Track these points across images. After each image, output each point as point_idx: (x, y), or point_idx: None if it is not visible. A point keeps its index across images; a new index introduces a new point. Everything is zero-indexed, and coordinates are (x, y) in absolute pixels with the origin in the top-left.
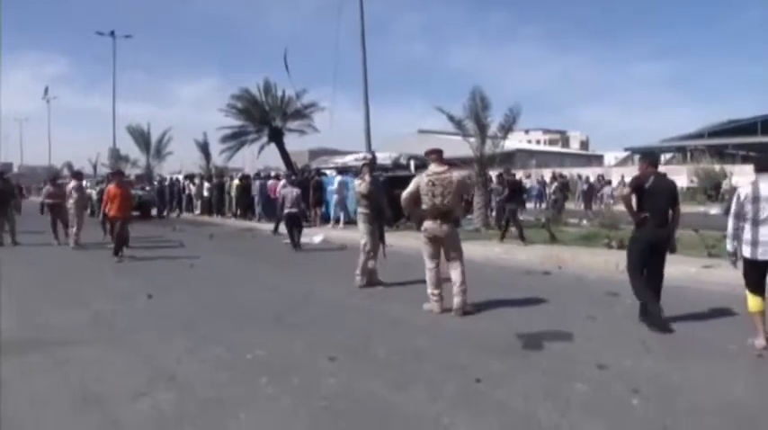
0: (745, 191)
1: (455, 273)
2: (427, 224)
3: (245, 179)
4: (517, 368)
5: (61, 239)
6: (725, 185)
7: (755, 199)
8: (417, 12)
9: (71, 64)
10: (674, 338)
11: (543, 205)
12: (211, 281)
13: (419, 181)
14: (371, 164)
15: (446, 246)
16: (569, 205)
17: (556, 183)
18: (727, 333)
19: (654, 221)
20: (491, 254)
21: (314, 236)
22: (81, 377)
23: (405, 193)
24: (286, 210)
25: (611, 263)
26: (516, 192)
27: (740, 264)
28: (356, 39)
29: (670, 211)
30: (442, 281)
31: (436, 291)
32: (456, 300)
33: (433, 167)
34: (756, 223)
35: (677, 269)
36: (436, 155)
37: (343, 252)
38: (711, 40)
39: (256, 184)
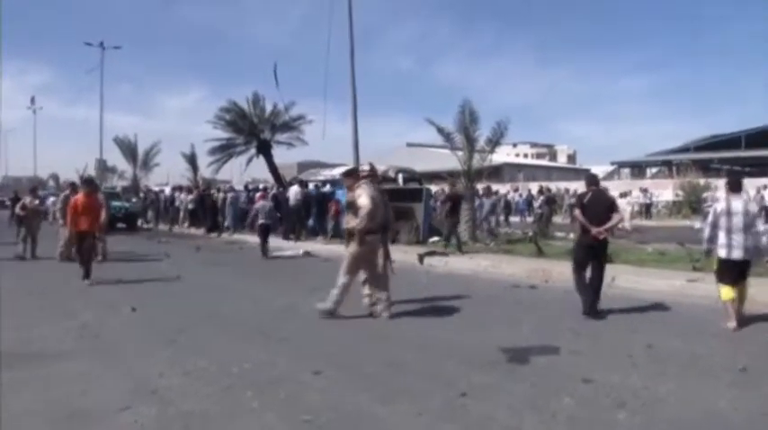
0: (720, 206)
1: (384, 285)
2: (374, 237)
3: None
4: (503, 381)
5: (28, 254)
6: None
7: (729, 213)
8: (405, 26)
9: (56, 74)
10: (660, 352)
11: (530, 219)
12: (196, 293)
13: (371, 193)
14: (371, 176)
15: (376, 258)
16: (556, 219)
17: (542, 197)
18: (711, 346)
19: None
20: (478, 267)
21: (300, 249)
22: (65, 391)
23: (369, 204)
24: (260, 221)
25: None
26: (456, 206)
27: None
28: (345, 52)
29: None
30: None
31: (371, 292)
32: (386, 310)
33: (369, 182)
34: (730, 231)
35: (663, 283)
36: (354, 174)
37: (328, 265)
38: (695, 54)
39: (228, 197)
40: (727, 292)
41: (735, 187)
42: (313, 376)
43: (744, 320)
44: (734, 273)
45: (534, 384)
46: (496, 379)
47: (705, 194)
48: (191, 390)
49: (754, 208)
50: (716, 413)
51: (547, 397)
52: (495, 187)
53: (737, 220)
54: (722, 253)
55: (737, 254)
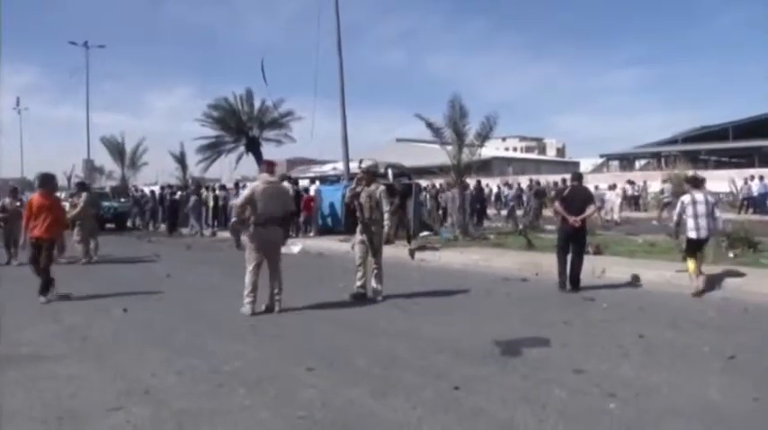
0: (687, 198)
1: (276, 277)
2: (261, 230)
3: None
4: (495, 374)
5: (14, 260)
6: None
7: (693, 202)
8: (395, 20)
9: (42, 74)
10: (650, 342)
11: (521, 212)
12: (187, 292)
13: (254, 187)
14: (367, 173)
15: (272, 252)
16: (546, 212)
17: (509, 191)
18: (701, 335)
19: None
20: (469, 261)
21: (292, 245)
22: (55, 393)
23: (241, 199)
24: (234, 218)
25: (587, 269)
26: (405, 199)
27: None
28: (333, 47)
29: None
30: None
31: (252, 294)
32: (276, 305)
33: (267, 176)
34: (696, 216)
35: (653, 273)
36: (270, 166)
37: (322, 261)
38: (683, 47)
39: (192, 199)
40: (693, 265)
41: (696, 183)
42: (306, 372)
43: (727, 308)
44: (698, 249)
45: (526, 376)
46: (489, 371)
47: (661, 187)
48: (183, 390)
49: (711, 198)
50: (707, 401)
51: (538, 388)
52: (484, 181)
53: (701, 208)
54: (692, 234)
55: (703, 234)
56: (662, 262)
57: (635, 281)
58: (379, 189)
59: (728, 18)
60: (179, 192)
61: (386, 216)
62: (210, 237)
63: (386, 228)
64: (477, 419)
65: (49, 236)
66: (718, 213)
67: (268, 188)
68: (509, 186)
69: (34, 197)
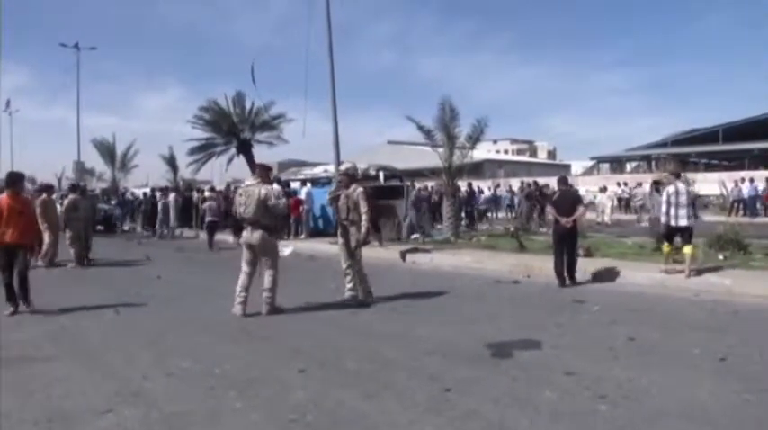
0: (671, 188)
1: (265, 279)
2: (243, 232)
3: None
4: (486, 376)
5: None
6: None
7: (677, 193)
8: (386, 21)
9: (33, 75)
10: (641, 344)
11: (513, 214)
12: (178, 293)
13: (239, 193)
14: (345, 175)
15: (258, 253)
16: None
17: (483, 195)
18: (691, 337)
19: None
20: (460, 263)
21: (283, 248)
22: (46, 394)
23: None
24: (208, 219)
25: (578, 271)
26: (376, 201)
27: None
28: (324, 48)
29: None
30: (250, 285)
31: (242, 295)
32: (264, 306)
33: (248, 180)
34: (677, 206)
35: (642, 275)
36: (259, 169)
37: (313, 264)
38: (673, 48)
39: (161, 201)
40: (667, 248)
41: (678, 175)
42: (297, 374)
43: (721, 310)
44: (675, 235)
45: (517, 378)
46: (480, 373)
47: (634, 191)
48: (174, 392)
49: (690, 189)
50: (697, 402)
51: (530, 390)
52: (475, 184)
53: (682, 198)
54: (672, 222)
55: (681, 222)
56: (652, 264)
57: (616, 277)
58: (356, 191)
59: (718, 19)
60: (158, 194)
61: (364, 218)
62: (195, 239)
63: (363, 229)
64: (468, 421)
65: (23, 242)
66: (696, 204)
67: (242, 191)
68: (482, 189)
69: (3, 199)
